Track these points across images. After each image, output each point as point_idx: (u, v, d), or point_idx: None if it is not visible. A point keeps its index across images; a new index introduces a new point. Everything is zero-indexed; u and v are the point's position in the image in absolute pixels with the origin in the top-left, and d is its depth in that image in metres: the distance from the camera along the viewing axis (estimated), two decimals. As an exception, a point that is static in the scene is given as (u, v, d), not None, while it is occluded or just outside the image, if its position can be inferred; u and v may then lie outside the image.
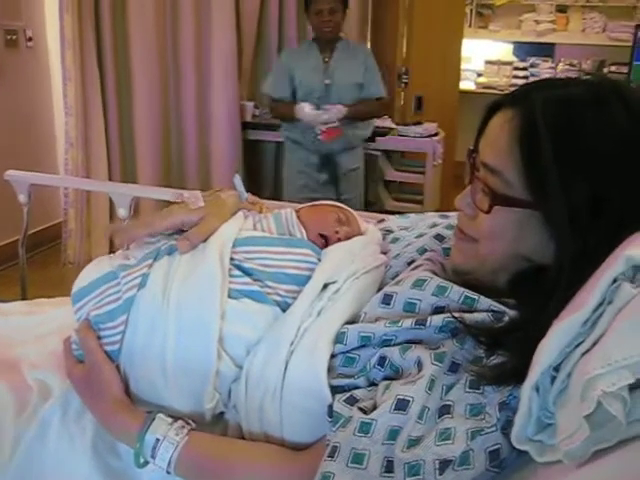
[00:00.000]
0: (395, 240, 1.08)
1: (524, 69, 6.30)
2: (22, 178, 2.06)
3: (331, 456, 0.72)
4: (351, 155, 3.26)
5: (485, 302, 0.80)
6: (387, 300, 0.86)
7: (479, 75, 6.47)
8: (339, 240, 1.01)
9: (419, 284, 0.85)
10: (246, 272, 0.91)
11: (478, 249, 0.84)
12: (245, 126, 3.83)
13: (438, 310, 0.82)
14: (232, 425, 0.87)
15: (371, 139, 3.59)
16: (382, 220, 1.21)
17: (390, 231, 1.12)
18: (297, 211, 1.07)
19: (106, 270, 0.93)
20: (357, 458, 0.71)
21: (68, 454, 0.90)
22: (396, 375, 0.78)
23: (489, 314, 0.77)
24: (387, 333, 0.81)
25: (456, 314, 0.78)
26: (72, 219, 3.62)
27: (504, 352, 0.72)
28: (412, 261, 0.98)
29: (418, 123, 3.80)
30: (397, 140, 3.70)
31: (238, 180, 1.09)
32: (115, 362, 0.89)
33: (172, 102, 3.69)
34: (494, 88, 6.12)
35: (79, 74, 3.46)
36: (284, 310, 0.89)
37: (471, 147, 0.87)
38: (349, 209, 1.10)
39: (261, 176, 4.19)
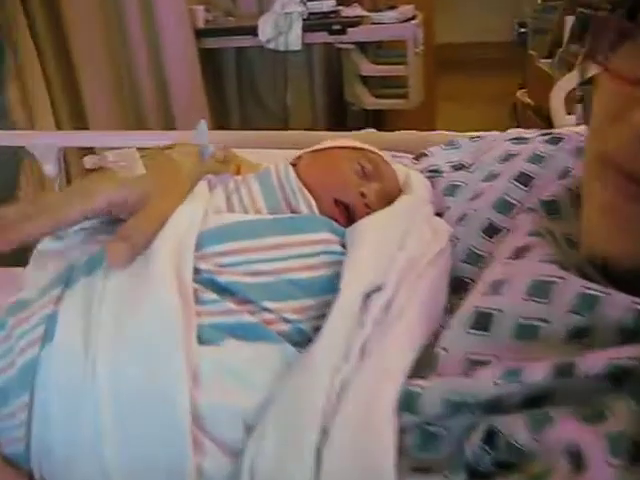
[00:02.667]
0: (452, 189, 0.72)
1: None
2: None
3: None
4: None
5: None
6: (483, 321, 0.51)
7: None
8: (368, 208, 0.67)
9: (541, 291, 0.50)
10: (225, 291, 0.56)
11: None
12: (198, 34, 3.35)
13: (579, 334, 0.47)
14: None
15: (341, 31, 3.16)
16: (421, 155, 0.84)
17: (438, 172, 0.77)
18: (294, 164, 0.72)
19: None
20: None
21: None
22: (520, 460, 0.44)
23: None
24: (500, 394, 0.46)
25: (631, 356, 0.42)
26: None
27: None
28: (490, 225, 0.64)
29: (392, 7, 3.35)
30: (371, 29, 3.26)
31: (203, 127, 0.72)
32: (27, 466, 0.54)
33: (112, 18, 3.16)
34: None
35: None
36: (299, 345, 0.56)
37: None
38: (376, 151, 0.74)
39: (224, 93, 3.75)
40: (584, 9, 3.05)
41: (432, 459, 0.48)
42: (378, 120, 3.70)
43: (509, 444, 0.44)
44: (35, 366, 0.52)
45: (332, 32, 3.22)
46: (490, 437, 0.46)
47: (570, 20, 3.12)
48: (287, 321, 0.56)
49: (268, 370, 0.53)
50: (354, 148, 0.73)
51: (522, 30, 4.49)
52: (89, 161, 0.61)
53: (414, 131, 1.22)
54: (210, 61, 3.55)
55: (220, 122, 3.58)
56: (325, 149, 0.74)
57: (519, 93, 3.49)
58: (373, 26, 3.25)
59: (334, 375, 0.51)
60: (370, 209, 0.66)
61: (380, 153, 0.74)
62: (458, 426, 0.48)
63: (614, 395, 0.44)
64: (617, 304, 0.46)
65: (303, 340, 0.56)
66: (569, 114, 2.31)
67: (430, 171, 0.78)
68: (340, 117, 3.80)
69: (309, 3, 3.28)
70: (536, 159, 0.69)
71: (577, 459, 0.41)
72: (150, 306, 0.52)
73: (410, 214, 0.64)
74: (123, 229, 0.57)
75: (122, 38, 3.18)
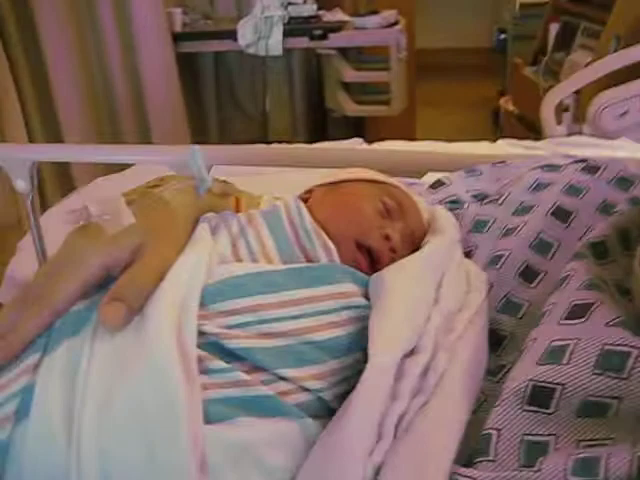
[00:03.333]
0: (480, 225, 0.65)
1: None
2: None
3: None
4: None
5: None
6: (543, 397, 0.44)
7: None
8: (394, 252, 0.59)
9: (615, 363, 0.43)
10: (234, 357, 0.48)
11: None
12: (175, 38, 3.25)
13: None
14: None
15: (323, 36, 3.09)
16: (438, 183, 0.76)
17: (457, 202, 0.69)
18: (305, 199, 0.64)
19: None
20: None
21: None
22: None
23: None
24: None
25: None
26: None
27: None
28: (527, 269, 0.57)
29: (374, 12, 3.28)
30: (353, 35, 3.19)
31: (197, 155, 0.63)
32: None
33: (87, 26, 3.03)
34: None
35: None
36: (319, 417, 0.48)
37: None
38: (398, 184, 0.66)
39: (202, 97, 3.66)
40: (568, 17, 3.02)
41: None
42: (358, 127, 3.63)
43: None
44: (6, 449, 0.43)
45: (313, 37, 3.14)
46: None
47: (554, 28, 3.09)
48: (307, 390, 0.48)
49: (288, 451, 0.45)
50: (374, 182, 0.65)
51: (502, 36, 4.47)
52: (71, 218, 0.52)
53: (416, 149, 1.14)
54: (188, 65, 3.46)
55: (198, 127, 3.48)
56: (341, 182, 0.66)
57: (502, 100, 3.44)
58: (355, 31, 3.19)
59: (367, 459, 0.43)
60: (396, 254, 0.58)
61: (401, 186, 0.66)
62: None
63: None
64: None
65: (324, 411, 0.49)
66: (559, 124, 2.26)
67: (450, 202, 0.70)
68: (320, 124, 3.73)
69: (290, 7, 3.20)
70: (573, 191, 0.62)
71: None
72: (147, 377, 0.44)
73: (443, 260, 0.56)
74: (117, 287, 0.49)
75: (96, 42, 3.06)
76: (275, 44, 3.14)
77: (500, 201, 0.66)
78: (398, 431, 0.45)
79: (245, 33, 3.14)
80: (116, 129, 3.17)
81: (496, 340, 0.55)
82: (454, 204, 0.70)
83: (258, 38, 3.15)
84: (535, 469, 0.41)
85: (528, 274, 0.58)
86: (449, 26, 5.46)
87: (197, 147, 0.64)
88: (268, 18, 3.14)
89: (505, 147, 1.90)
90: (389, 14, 3.27)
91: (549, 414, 0.44)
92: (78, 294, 0.50)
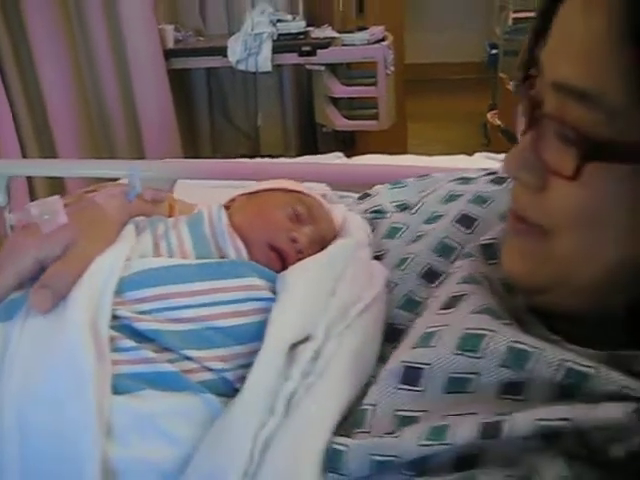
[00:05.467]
0: (393, 232, 0.70)
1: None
2: None
3: None
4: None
5: (609, 378, 0.43)
6: (413, 377, 0.50)
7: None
8: (300, 253, 0.64)
9: (472, 344, 0.48)
10: (144, 338, 0.54)
11: (553, 249, 0.48)
12: (168, 54, 3.32)
13: (512, 389, 0.46)
14: None
15: (311, 53, 3.16)
16: (365, 195, 0.82)
17: (381, 212, 0.74)
18: (228, 207, 0.69)
19: None
20: None
21: None
22: None
23: (625, 413, 0.40)
24: (425, 453, 0.45)
25: (558, 417, 0.41)
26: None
27: None
28: (429, 270, 0.61)
29: (362, 28, 3.35)
30: (341, 51, 3.26)
31: (133, 171, 0.69)
32: None
33: (78, 43, 3.10)
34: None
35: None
36: (226, 395, 0.53)
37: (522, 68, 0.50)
38: (311, 194, 0.72)
39: (195, 113, 3.73)
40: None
41: None
42: (349, 141, 3.69)
43: None
44: None
45: (302, 53, 3.21)
46: None
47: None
48: (210, 370, 0.53)
49: (190, 423, 0.51)
50: (288, 191, 0.71)
51: (493, 51, 4.53)
52: (13, 218, 0.59)
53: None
54: (180, 81, 3.53)
55: (190, 142, 3.55)
56: (259, 192, 0.72)
57: (490, 114, 3.51)
58: (343, 47, 3.25)
59: (258, 432, 0.48)
60: (302, 254, 0.64)
61: (315, 195, 0.72)
62: None
63: (545, 457, 0.42)
64: (547, 361, 0.45)
65: (229, 390, 0.54)
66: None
67: (374, 212, 0.75)
68: (311, 138, 3.79)
69: (279, 24, 3.28)
70: (479, 200, 0.67)
71: None
72: (60, 353, 0.50)
73: (343, 259, 0.62)
74: (44, 276, 0.55)
75: (89, 58, 3.13)
76: (264, 60, 3.21)
77: (413, 210, 0.72)
78: (289, 409, 0.50)
79: (235, 50, 3.22)
80: (110, 144, 3.24)
81: (394, 333, 0.60)
82: (378, 213, 0.75)
83: (248, 54, 3.22)
84: (395, 435, 0.46)
85: (430, 275, 0.63)
86: (441, 41, 5.53)
87: (137, 163, 0.71)
88: (258, 35, 3.21)
89: (481, 160, 1.96)
90: (377, 30, 3.34)
91: (420, 392, 0.49)
92: (14, 285, 0.57)
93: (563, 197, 0.46)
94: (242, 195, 0.71)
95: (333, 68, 3.45)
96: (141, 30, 3.15)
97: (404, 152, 3.41)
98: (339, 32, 3.37)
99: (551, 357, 0.45)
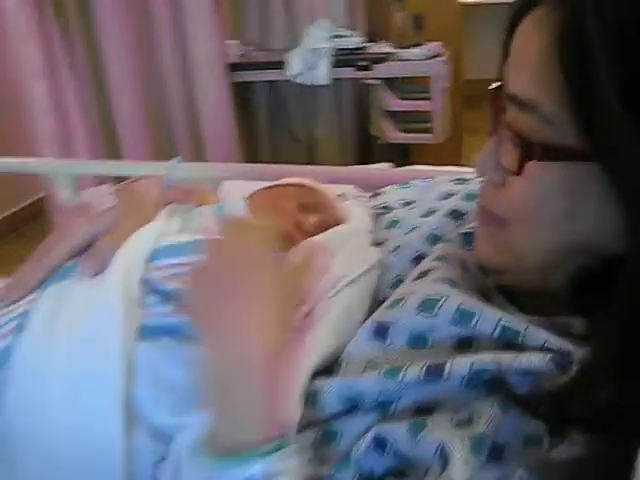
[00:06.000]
0: (393, 224, 0.80)
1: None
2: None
3: None
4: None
5: (536, 335, 0.52)
6: (381, 332, 0.59)
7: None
8: (305, 235, 0.75)
9: (429, 306, 0.58)
10: (167, 297, 0.65)
11: (508, 236, 0.57)
12: (231, 67, 3.48)
13: (463, 344, 0.55)
14: None
15: (367, 67, 3.27)
16: (376, 194, 0.93)
17: (388, 208, 0.85)
18: (250, 198, 0.81)
19: None
20: None
21: None
22: (405, 467, 0.51)
23: (545, 357, 0.49)
24: (383, 392, 0.54)
25: (490, 356, 0.50)
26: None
27: (579, 432, 0.45)
28: (419, 256, 0.71)
29: (418, 44, 3.44)
30: (396, 66, 3.36)
31: (174, 163, 0.82)
32: None
33: (146, 52, 3.31)
34: (500, -5, 5.65)
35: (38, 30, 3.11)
36: None
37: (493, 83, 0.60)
38: (317, 189, 0.82)
39: (256, 123, 3.88)
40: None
41: (328, 457, 0.55)
42: (403, 153, 3.77)
43: (395, 451, 0.51)
44: (9, 351, 0.62)
45: (358, 68, 3.32)
46: (380, 443, 0.53)
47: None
48: None
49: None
50: (300, 186, 0.81)
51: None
52: (69, 204, 0.72)
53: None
54: (243, 94, 3.69)
55: (251, 153, 3.70)
56: (275, 186, 0.83)
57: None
58: (398, 62, 3.35)
59: None
60: (307, 236, 0.74)
61: (322, 191, 0.82)
62: (352, 427, 0.55)
63: (485, 403, 0.51)
64: (488, 319, 0.54)
65: None
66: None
67: (381, 207, 0.85)
68: (367, 150, 3.89)
69: (337, 39, 3.40)
70: (469, 197, 0.76)
71: (443, 457, 0.48)
72: (99, 305, 0.63)
73: (341, 240, 0.72)
74: (93, 247, 0.68)
75: (156, 69, 3.33)
76: (322, 74, 3.33)
77: (412, 206, 0.81)
78: None
79: (294, 64, 3.35)
80: (173, 151, 3.42)
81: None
82: (384, 209, 0.86)
83: (306, 68, 3.36)
84: (360, 376, 0.56)
85: (420, 260, 0.72)
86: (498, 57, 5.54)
87: (179, 157, 0.84)
88: (316, 50, 3.34)
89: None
90: (433, 46, 3.42)
91: (387, 345, 0.59)
92: (69, 255, 0.70)
93: (513, 191, 0.55)
94: (260, 190, 0.82)
95: (389, 82, 3.54)
96: (206, 44, 3.32)
97: (458, 164, 3.47)
98: (396, 48, 3.47)
99: (491, 316, 0.54)
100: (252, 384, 0.50)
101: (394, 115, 3.64)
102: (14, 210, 3.61)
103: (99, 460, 0.59)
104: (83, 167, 1.49)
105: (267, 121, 3.89)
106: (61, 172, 1.42)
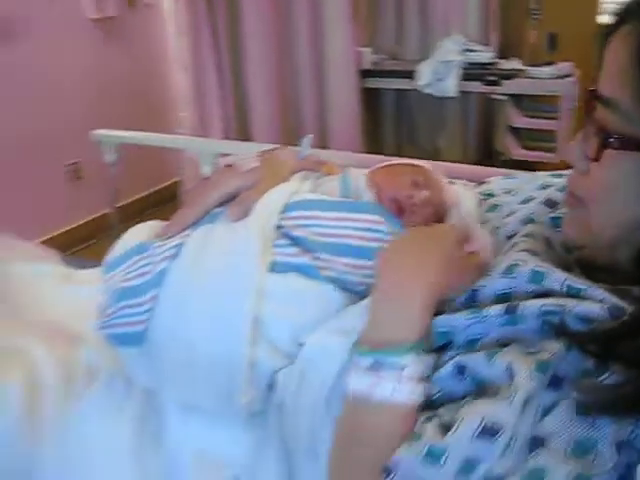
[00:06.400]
0: (493, 207, 0.90)
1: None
2: (108, 137, 2.07)
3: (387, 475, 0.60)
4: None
5: (596, 292, 0.62)
6: (472, 297, 0.71)
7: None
8: (414, 206, 0.86)
9: (510, 271, 0.69)
10: (295, 241, 0.79)
11: (589, 216, 0.67)
12: (363, 74, 3.65)
13: (541, 296, 0.65)
14: (272, 425, 0.76)
15: (496, 82, 3.33)
16: (482, 183, 1.04)
17: (491, 195, 0.95)
18: (371, 172, 0.93)
19: (142, 240, 0.85)
20: None
21: (105, 443, 0.83)
22: (480, 390, 0.63)
23: (601, 308, 0.59)
24: (470, 327, 0.66)
25: (557, 300, 0.61)
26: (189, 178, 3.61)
27: (622, 368, 0.55)
28: (513, 235, 0.81)
29: (550, 63, 3.46)
30: (525, 83, 3.39)
31: (307, 140, 0.97)
32: (135, 346, 0.80)
33: (285, 50, 3.55)
34: None
35: (191, 28, 3.42)
36: (343, 289, 0.77)
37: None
38: (430, 170, 0.94)
39: (381, 128, 4.02)
40: None
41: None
42: (525, 170, 3.79)
43: (473, 375, 0.63)
44: (164, 273, 0.78)
45: (487, 83, 3.39)
46: (460, 370, 0.64)
47: None
48: (336, 271, 0.77)
49: (315, 299, 0.76)
50: (413, 165, 0.93)
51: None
52: (223, 161, 0.88)
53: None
54: (371, 99, 3.84)
55: (373, 153, 3.83)
56: (392, 165, 0.95)
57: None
58: (528, 80, 3.38)
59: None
60: (416, 207, 0.86)
61: (432, 172, 0.93)
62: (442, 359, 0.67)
63: (551, 340, 0.61)
64: (556, 279, 0.64)
65: (346, 287, 0.78)
66: None
67: (485, 194, 0.96)
68: (488, 164, 3.93)
69: (469, 53, 3.48)
70: (563, 189, 0.86)
71: (511, 375, 0.59)
72: (240, 241, 0.78)
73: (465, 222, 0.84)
74: (239, 198, 0.84)
75: (292, 67, 3.58)
76: (450, 86, 3.42)
77: (513, 193, 0.92)
78: None
79: (424, 74, 3.46)
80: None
81: None
82: (488, 195, 0.96)
83: (436, 80, 3.46)
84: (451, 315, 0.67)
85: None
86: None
87: (310, 136, 0.98)
88: (447, 62, 3.44)
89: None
90: (565, 66, 3.43)
91: (475, 305, 0.69)
92: (218, 202, 0.86)
93: (594, 176, 0.65)
94: (380, 166, 0.95)
95: (516, 99, 3.59)
96: (341, 49, 3.51)
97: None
98: (527, 65, 3.51)
99: (558, 276, 0.64)
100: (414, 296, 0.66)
101: (517, 132, 3.67)
102: (152, 190, 3.91)
103: (226, 362, 0.74)
104: (224, 146, 1.68)
105: (392, 127, 4.02)
106: (205, 150, 1.61)
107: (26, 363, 0.87)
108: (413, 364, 0.63)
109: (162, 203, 3.80)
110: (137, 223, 0.91)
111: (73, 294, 1.07)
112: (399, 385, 0.63)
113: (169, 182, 3.97)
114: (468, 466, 0.56)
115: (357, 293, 0.77)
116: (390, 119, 4.04)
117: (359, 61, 3.60)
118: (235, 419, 0.77)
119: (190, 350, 0.75)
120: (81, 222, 3.47)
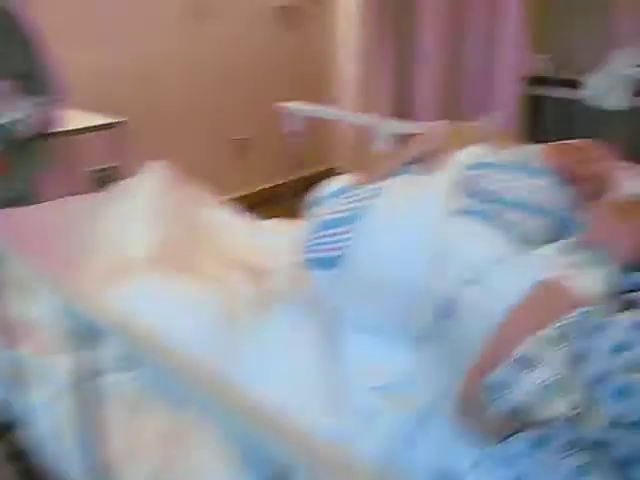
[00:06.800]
0: None
1: None
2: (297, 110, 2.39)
3: None
4: None
5: None
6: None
7: None
8: (585, 177, 1.01)
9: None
10: (475, 194, 0.95)
11: None
12: (529, 81, 3.69)
13: None
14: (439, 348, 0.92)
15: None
16: None
17: None
18: (547, 146, 1.08)
19: (346, 184, 1.04)
20: None
21: (291, 351, 1.02)
22: None
23: None
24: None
25: None
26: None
27: None
28: None
29: None
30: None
31: (494, 115, 1.14)
32: (329, 269, 0.98)
33: (455, 48, 3.70)
34: None
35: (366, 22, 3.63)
36: (515, 237, 0.92)
37: None
38: (600, 151, 1.08)
39: (541, 136, 4.04)
40: None
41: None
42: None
43: None
44: (364, 209, 0.97)
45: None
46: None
47: None
48: (509, 222, 0.93)
49: (489, 242, 0.93)
50: (584, 146, 1.07)
51: None
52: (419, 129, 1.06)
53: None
54: (534, 107, 3.86)
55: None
56: (567, 142, 1.09)
57: None
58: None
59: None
60: (585, 177, 0.99)
61: (603, 156, 1.07)
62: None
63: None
64: None
65: (517, 237, 0.93)
66: None
67: None
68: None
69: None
70: None
71: None
72: (429, 187, 0.98)
73: None
74: (432, 155, 1.00)
75: (460, 64, 3.77)
76: (618, 100, 3.40)
77: None
78: None
79: (592, 85, 3.46)
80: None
81: None
82: None
83: (604, 92, 3.44)
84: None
85: None
86: None
87: (498, 114, 1.15)
88: (618, 75, 3.42)
89: None
90: None
91: None
92: (414, 158, 1.08)
93: None
94: (556, 144, 1.10)
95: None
96: (511, 53, 3.61)
97: None
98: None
99: None
100: None
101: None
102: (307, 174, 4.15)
103: (409, 288, 0.91)
104: (402, 126, 1.87)
105: (552, 135, 4.01)
106: (384, 128, 1.80)
107: (226, 284, 1.09)
108: None
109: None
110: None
111: (263, 239, 1.29)
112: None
113: (323, 168, 4.21)
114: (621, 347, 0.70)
115: (525, 242, 0.92)
116: (550, 127, 4.04)
117: (527, 67, 3.65)
118: (407, 341, 0.93)
119: (380, 275, 0.93)
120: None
